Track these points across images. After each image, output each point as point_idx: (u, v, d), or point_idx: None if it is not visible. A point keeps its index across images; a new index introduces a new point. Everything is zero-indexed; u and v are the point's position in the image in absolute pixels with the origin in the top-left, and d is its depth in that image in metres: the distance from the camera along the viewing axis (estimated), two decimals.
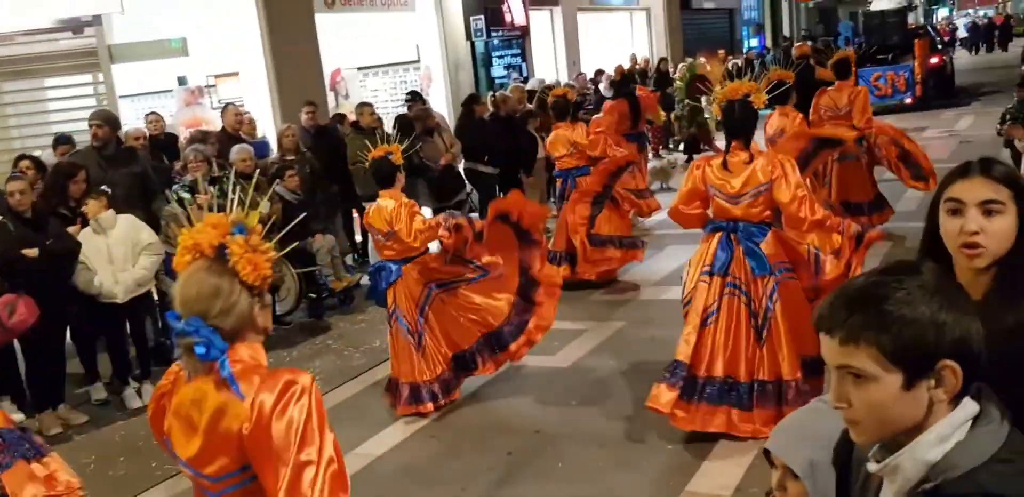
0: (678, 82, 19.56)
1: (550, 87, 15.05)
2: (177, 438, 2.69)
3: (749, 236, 5.83)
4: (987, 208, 2.42)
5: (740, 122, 5.95)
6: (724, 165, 5.89)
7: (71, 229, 7.44)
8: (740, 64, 23.17)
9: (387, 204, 6.84)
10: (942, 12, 74.19)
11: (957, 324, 1.75)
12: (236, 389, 2.51)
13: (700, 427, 5.89)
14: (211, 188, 8.65)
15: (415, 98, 13.34)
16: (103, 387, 7.92)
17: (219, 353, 2.54)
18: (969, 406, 1.81)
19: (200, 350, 2.53)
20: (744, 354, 5.84)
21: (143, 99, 14.56)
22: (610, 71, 19.02)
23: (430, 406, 6.93)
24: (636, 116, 12.94)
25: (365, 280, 10.32)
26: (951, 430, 1.78)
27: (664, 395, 5.87)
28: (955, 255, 2.48)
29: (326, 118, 12.57)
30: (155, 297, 8.13)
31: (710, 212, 6.07)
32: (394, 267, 6.95)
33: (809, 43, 23.23)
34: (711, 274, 5.90)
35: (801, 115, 10.19)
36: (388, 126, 11.96)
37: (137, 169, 8.65)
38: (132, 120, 13.05)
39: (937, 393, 1.76)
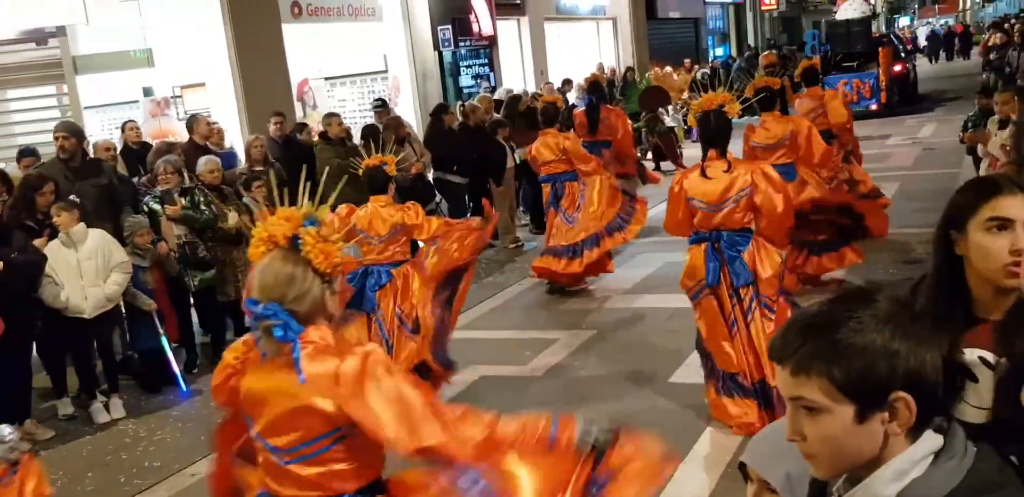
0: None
1: (517, 97, 15.11)
2: (254, 414, 2.98)
3: (732, 245, 5.93)
4: None
5: (716, 132, 6.08)
6: (703, 173, 5.99)
7: (37, 242, 7.32)
8: (708, 73, 23.43)
9: (385, 208, 6.92)
10: (903, 21, 75.06)
11: (911, 354, 1.69)
12: (299, 371, 2.81)
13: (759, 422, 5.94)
14: (182, 199, 8.59)
15: (384, 105, 13.34)
16: (70, 402, 7.82)
17: (295, 335, 2.84)
18: (930, 440, 1.75)
19: (279, 332, 2.83)
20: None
21: (108, 110, 14.44)
22: (578, 80, 19.11)
23: None
24: (592, 124, 12.86)
25: None
26: (909, 466, 1.73)
27: (748, 410, 5.99)
28: (993, 273, 2.44)
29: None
30: (123, 310, 8.04)
31: (695, 220, 6.12)
32: (383, 270, 6.93)
33: (774, 51, 23.48)
34: (710, 286, 5.97)
35: (808, 122, 9.94)
36: (355, 136, 11.94)
37: (104, 181, 8.58)
38: (97, 131, 12.96)
39: (892, 427, 1.71)
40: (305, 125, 12.45)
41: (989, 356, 2.38)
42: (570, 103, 17.41)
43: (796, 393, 1.73)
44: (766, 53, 20.39)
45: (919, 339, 1.71)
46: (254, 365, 3.00)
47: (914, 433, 1.74)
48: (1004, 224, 2.40)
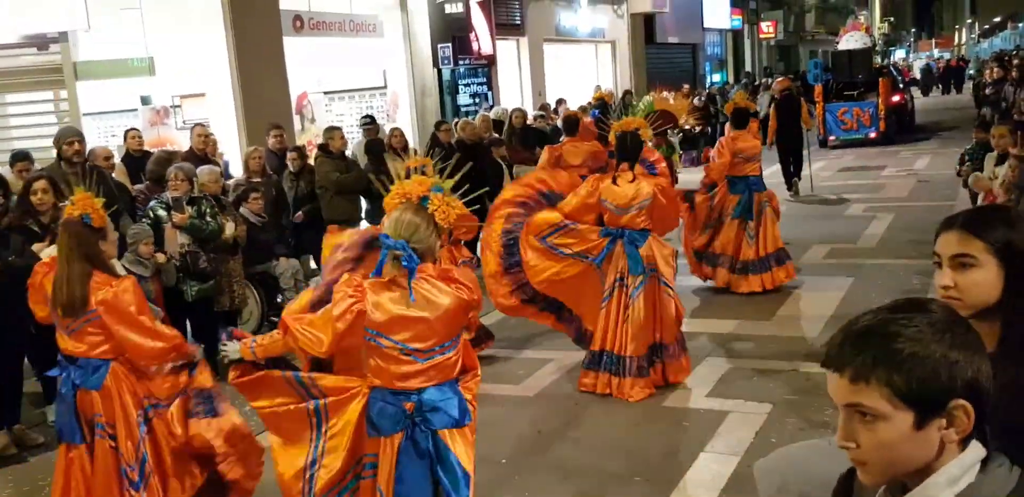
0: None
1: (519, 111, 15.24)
2: (390, 327, 4.01)
3: (632, 241, 7.34)
4: (958, 262, 2.40)
5: (630, 150, 7.50)
6: (614, 181, 7.39)
7: (36, 246, 7.26)
8: (703, 99, 23.59)
9: None
10: (899, 53, 75.67)
11: (969, 363, 1.72)
12: (411, 294, 3.96)
13: (599, 390, 7.43)
14: (189, 208, 8.55)
15: (373, 122, 13.41)
16: None
17: (415, 265, 3.96)
18: (978, 449, 1.78)
19: (405, 262, 3.96)
20: (622, 331, 7.37)
21: (106, 118, 14.40)
22: (570, 103, 19.20)
23: None
24: (602, 137, 13.05)
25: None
26: (961, 472, 1.75)
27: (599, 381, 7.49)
28: None
29: (293, 141, 12.50)
30: None
31: (606, 217, 7.45)
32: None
33: (770, 79, 23.73)
34: (597, 264, 7.42)
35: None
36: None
37: (104, 189, 8.51)
38: (94, 139, 12.91)
39: (948, 434, 1.73)
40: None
41: None
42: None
43: (854, 400, 1.75)
44: (780, 79, 20.78)
45: (975, 349, 1.75)
46: (381, 291, 4.04)
47: (963, 442, 1.77)
48: (938, 262, 2.45)
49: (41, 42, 11.57)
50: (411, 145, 12.86)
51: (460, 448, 4.22)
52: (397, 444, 4.15)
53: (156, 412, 5.15)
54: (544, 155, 11.53)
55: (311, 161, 11.43)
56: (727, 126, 11.35)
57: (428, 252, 4.05)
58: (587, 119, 13.71)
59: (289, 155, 10.99)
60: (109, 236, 5.09)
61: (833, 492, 2.03)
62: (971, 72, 47.81)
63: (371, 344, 4.07)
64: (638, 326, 7.30)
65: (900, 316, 1.77)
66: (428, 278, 4.03)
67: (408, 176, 7.95)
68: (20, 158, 9.11)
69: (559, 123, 16.19)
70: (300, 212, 10.78)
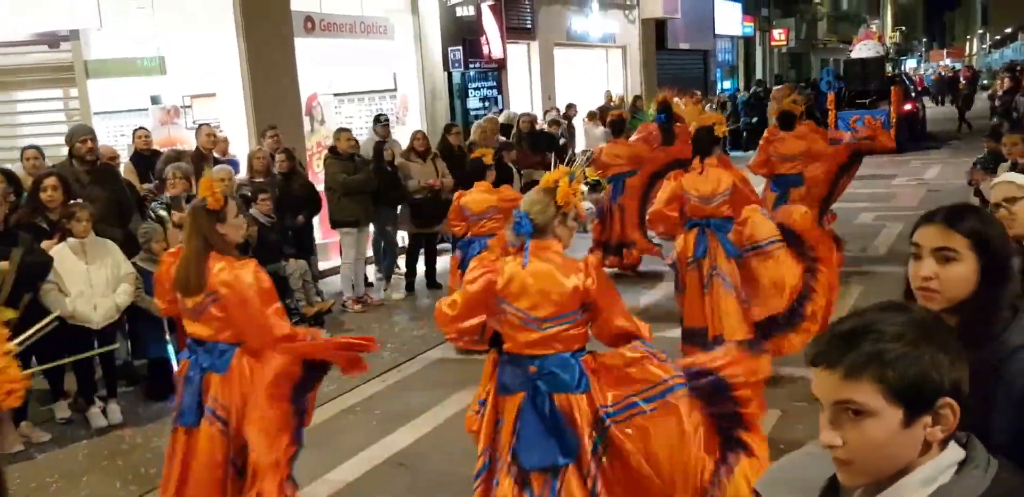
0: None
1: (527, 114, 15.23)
2: (516, 296, 4.47)
3: (719, 228, 7.73)
4: (940, 255, 2.45)
5: (706, 143, 7.90)
6: (698, 173, 7.83)
7: (46, 243, 7.26)
8: (715, 107, 23.64)
9: (484, 192, 8.92)
10: (909, 63, 75.71)
11: (953, 365, 1.76)
12: (525, 257, 4.46)
13: None
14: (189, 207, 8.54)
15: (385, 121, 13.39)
16: (67, 405, 7.73)
17: (526, 232, 4.48)
18: (955, 451, 1.81)
19: (516, 227, 4.50)
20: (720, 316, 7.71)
21: (116, 117, 14.38)
22: (580, 107, 19.25)
23: None
24: (667, 139, 12.99)
25: (336, 306, 10.29)
26: (936, 473, 1.78)
27: None
28: (916, 296, 2.53)
29: (302, 142, 12.45)
30: (125, 316, 7.96)
31: (687, 209, 7.91)
32: (481, 241, 8.50)
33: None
34: (696, 260, 7.77)
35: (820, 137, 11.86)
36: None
37: (115, 187, 8.54)
38: (104, 138, 12.90)
39: (934, 432, 1.76)
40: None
41: None
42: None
43: (844, 396, 1.77)
44: (780, 87, 20.92)
45: (957, 352, 1.79)
46: (501, 265, 4.53)
47: (943, 443, 1.80)
48: (918, 251, 2.50)
49: (52, 40, 11.55)
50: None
51: (577, 414, 4.47)
52: (519, 403, 4.55)
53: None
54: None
55: (313, 163, 11.39)
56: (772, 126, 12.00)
57: (546, 227, 4.51)
58: (650, 124, 13.77)
59: (278, 157, 10.92)
60: (229, 219, 5.00)
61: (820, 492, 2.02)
62: (984, 82, 47.65)
63: (500, 311, 4.55)
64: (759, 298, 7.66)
65: (887, 316, 1.80)
66: (557, 254, 4.51)
67: (473, 169, 9.00)
68: (30, 148, 9.10)
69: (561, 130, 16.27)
70: (301, 215, 10.74)
